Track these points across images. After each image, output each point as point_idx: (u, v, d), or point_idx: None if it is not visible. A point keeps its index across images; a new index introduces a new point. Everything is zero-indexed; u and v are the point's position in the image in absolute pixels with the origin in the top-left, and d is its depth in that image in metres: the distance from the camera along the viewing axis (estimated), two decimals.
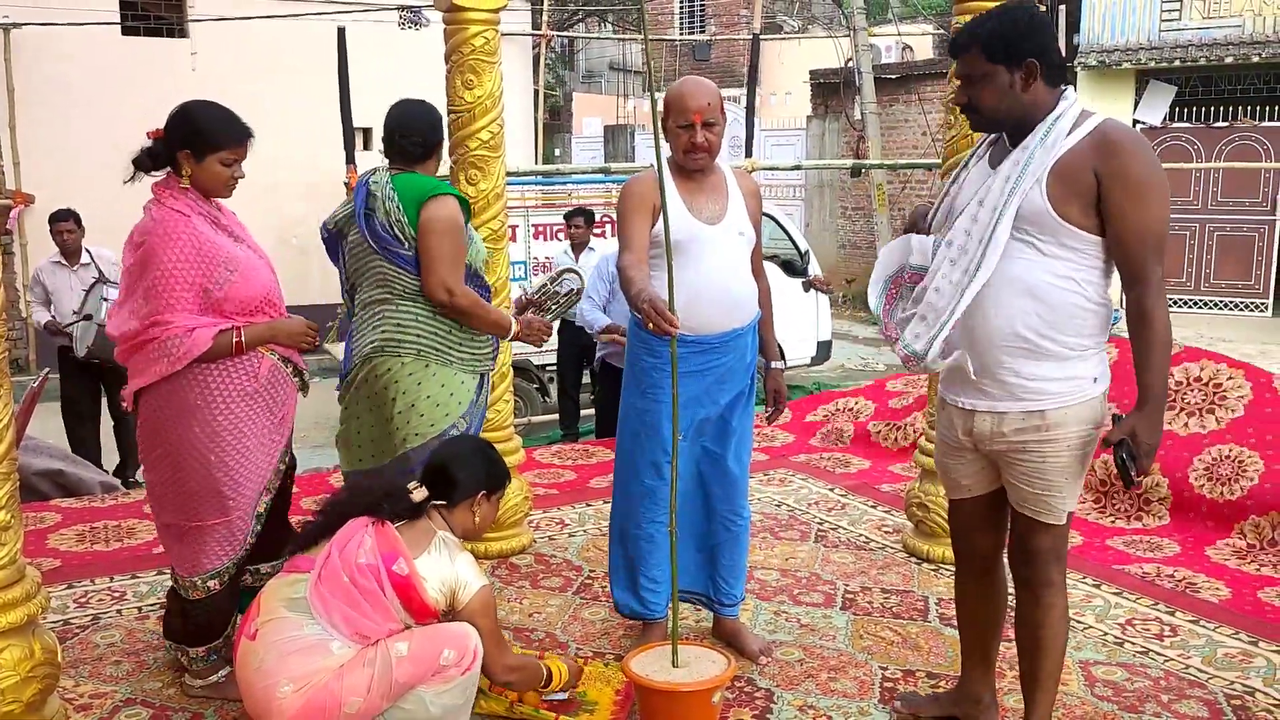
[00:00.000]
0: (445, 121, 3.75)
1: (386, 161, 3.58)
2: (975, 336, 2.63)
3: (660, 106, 3.24)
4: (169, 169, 3.10)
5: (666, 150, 3.21)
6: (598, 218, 8.50)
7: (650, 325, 2.82)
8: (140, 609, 3.98)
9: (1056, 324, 2.55)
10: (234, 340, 3.04)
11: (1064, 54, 13.46)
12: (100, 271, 6.83)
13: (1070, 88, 2.62)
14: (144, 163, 3.11)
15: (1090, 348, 2.61)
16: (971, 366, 2.65)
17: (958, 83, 2.69)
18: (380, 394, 3.46)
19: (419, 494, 2.91)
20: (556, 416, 8.05)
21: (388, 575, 2.73)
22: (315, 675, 2.64)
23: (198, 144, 3.06)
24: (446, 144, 3.73)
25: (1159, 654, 3.61)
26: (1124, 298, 2.56)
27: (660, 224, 3.08)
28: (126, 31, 12.62)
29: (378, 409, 3.49)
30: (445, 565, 2.79)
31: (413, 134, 3.48)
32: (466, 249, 3.46)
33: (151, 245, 2.99)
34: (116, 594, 4.13)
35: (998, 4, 3.05)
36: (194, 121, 3.07)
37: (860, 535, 4.84)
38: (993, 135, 2.75)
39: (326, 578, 2.73)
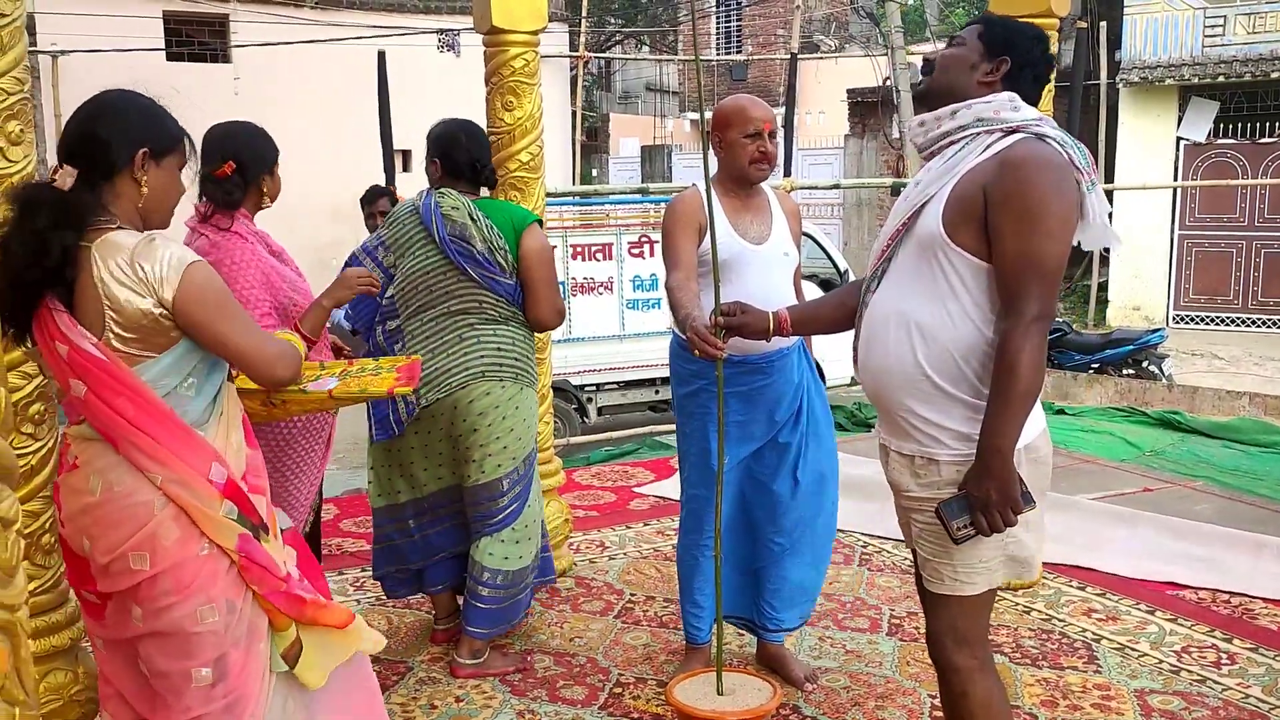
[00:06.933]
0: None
1: (427, 184, 3.59)
2: (875, 372, 2.41)
3: (708, 124, 3.21)
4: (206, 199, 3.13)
5: (712, 169, 3.18)
6: (636, 238, 8.46)
7: (696, 351, 2.79)
8: None
9: (950, 365, 2.29)
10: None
11: (1106, 71, 13.17)
12: None
13: (1023, 106, 2.34)
14: (220, 198, 3.11)
15: None
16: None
17: None
18: (466, 418, 3.46)
19: (66, 177, 2.10)
20: (595, 438, 8.03)
21: (91, 364, 2.09)
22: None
23: (262, 162, 3.18)
24: None
25: (1217, 683, 3.51)
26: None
27: (706, 243, 3.05)
28: (171, 58, 12.81)
29: (452, 433, 3.51)
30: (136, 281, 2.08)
31: (487, 159, 3.62)
32: None
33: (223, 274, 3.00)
34: None
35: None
36: (252, 141, 3.18)
37: (905, 559, 4.76)
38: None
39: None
